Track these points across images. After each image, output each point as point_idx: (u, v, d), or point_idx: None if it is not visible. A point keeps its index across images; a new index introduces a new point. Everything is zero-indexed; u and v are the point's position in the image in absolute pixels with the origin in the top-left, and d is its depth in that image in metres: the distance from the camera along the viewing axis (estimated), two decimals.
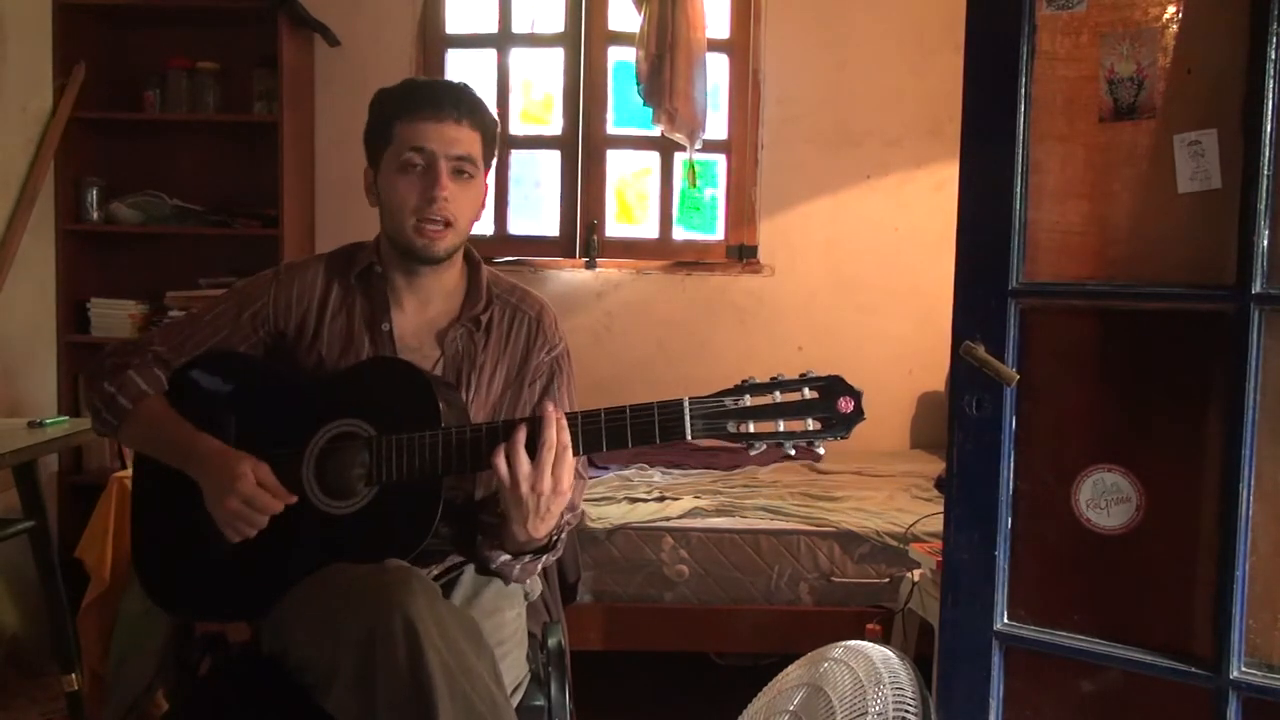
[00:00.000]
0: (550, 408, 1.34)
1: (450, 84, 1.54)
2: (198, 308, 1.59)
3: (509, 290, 1.62)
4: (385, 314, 1.54)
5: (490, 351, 1.56)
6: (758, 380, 1.31)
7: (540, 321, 1.60)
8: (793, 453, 1.32)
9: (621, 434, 1.32)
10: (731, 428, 1.29)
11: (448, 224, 1.48)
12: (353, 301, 1.55)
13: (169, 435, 1.46)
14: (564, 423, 1.33)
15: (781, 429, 1.29)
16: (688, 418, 1.29)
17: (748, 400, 1.30)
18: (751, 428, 1.29)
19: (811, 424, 1.29)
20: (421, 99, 1.49)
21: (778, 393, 1.30)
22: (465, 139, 1.49)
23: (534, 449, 1.32)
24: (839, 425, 1.29)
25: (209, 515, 1.42)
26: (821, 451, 1.32)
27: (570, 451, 1.33)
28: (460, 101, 1.50)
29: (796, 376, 1.31)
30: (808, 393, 1.30)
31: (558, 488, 1.33)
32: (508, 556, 1.47)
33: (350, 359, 1.52)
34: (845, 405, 1.29)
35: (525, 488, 1.32)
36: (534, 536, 1.38)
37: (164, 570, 1.50)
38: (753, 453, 1.31)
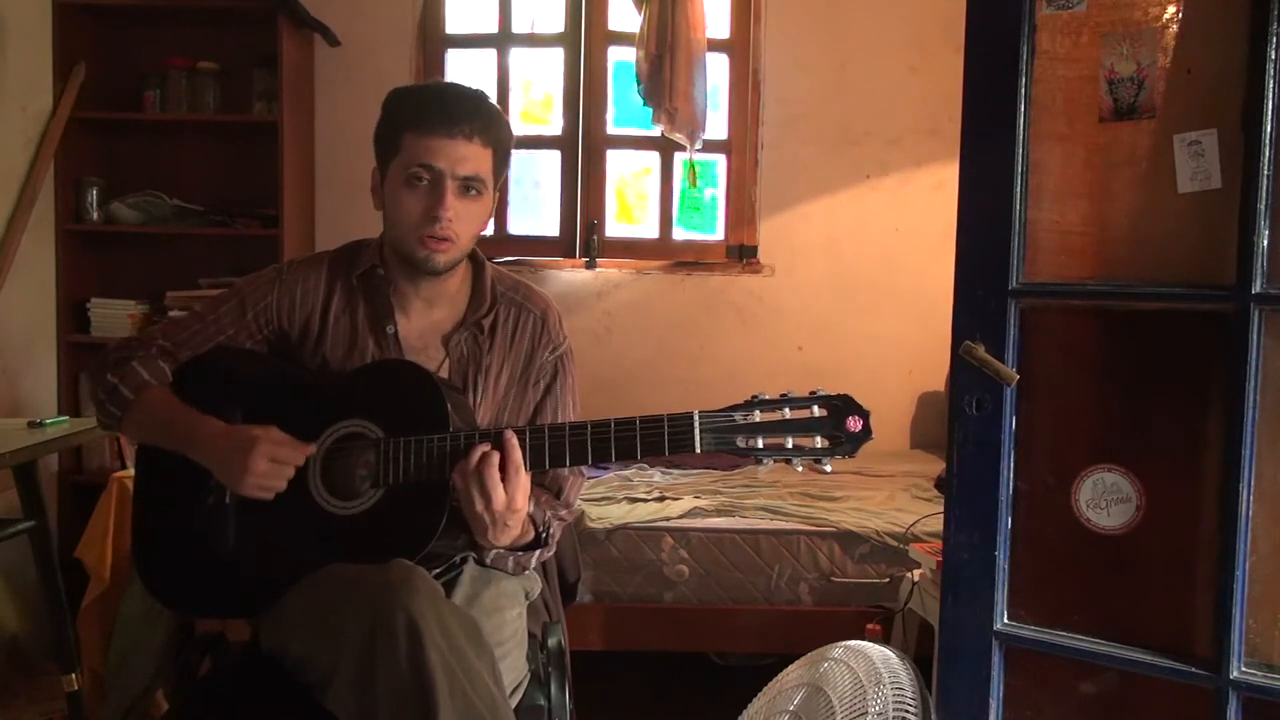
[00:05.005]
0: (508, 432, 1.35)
1: (465, 95, 1.49)
2: (201, 306, 1.58)
3: (513, 288, 1.61)
4: (389, 317, 1.53)
5: (496, 353, 1.56)
6: (768, 396, 1.32)
7: (545, 320, 1.60)
8: (800, 469, 1.33)
9: (630, 445, 1.33)
10: (740, 443, 1.30)
11: (450, 240, 1.47)
12: (356, 303, 1.55)
13: (173, 422, 1.46)
14: (515, 442, 1.34)
15: (790, 446, 1.30)
16: (697, 432, 1.30)
17: (757, 416, 1.30)
18: (760, 443, 1.30)
19: (819, 441, 1.30)
20: (434, 112, 1.44)
21: (787, 409, 1.31)
22: (474, 157, 1.46)
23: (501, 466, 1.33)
24: (846, 444, 1.30)
25: (213, 510, 1.43)
26: (829, 469, 1.33)
27: (523, 472, 1.34)
28: (475, 115, 1.45)
29: (807, 394, 1.32)
30: (817, 410, 1.31)
31: (511, 506, 1.34)
32: (498, 550, 1.48)
33: (355, 361, 1.52)
34: (854, 424, 1.30)
35: (480, 506, 1.33)
36: (495, 545, 1.40)
37: (165, 566, 1.50)
38: (760, 469, 1.32)
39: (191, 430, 1.43)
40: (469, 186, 1.46)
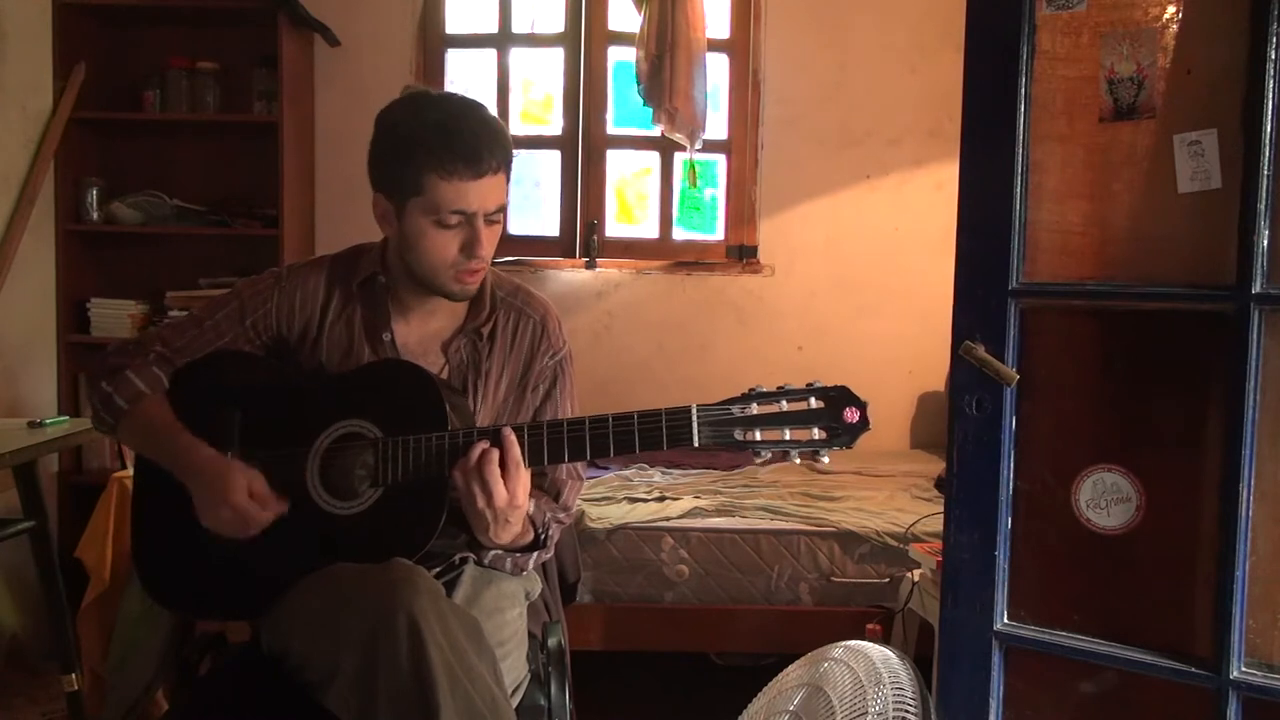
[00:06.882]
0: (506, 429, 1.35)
1: (484, 129, 1.42)
2: (200, 309, 1.58)
3: (512, 293, 1.61)
4: (386, 323, 1.53)
5: (495, 358, 1.56)
6: (765, 389, 1.32)
7: (545, 326, 1.60)
8: (798, 461, 1.33)
9: (629, 440, 1.33)
10: (738, 435, 1.30)
11: (483, 268, 1.48)
12: (353, 309, 1.55)
13: (163, 441, 1.46)
14: (513, 439, 1.34)
15: (787, 437, 1.30)
16: (695, 425, 1.30)
17: (755, 409, 1.30)
18: (758, 436, 1.30)
19: (817, 433, 1.31)
20: (459, 155, 1.38)
21: (784, 401, 1.31)
22: (499, 188, 1.44)
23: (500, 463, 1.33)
24: (844, 435, 1.30)
25: None
26: (826, 460, 1.33)
27: (523, 468, 1.34)
28: (495, 148, 1.41)
29: (804, 386, 1.32)
30: (814, 402, 1.31)
31: (513, 502, 1.34)
32: (497, 550, 1.49)
33: (350, 366, 1.52)
34: (851, 415, 1.30)
35: (481, 503, 1.33)
36: (496, 543, 1.40)
37: (164, 567, 1.50)
38: (758, 461, 1.33)
39: (176, 452, 1.43)
40: (495, 219, 1.47)
